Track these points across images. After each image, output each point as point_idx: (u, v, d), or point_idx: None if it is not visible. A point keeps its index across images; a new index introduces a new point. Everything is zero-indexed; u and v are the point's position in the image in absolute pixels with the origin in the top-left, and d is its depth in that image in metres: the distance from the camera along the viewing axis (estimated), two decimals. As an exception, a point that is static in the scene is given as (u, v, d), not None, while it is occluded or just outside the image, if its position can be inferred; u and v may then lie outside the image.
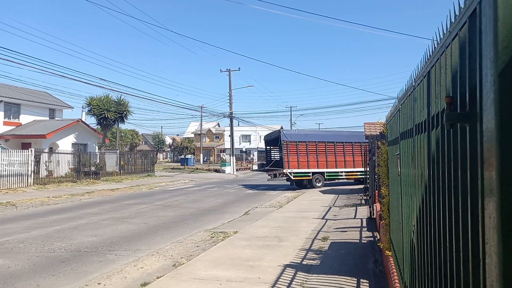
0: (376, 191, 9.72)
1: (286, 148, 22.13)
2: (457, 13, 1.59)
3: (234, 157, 39.39)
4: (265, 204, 15.71)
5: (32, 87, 30.23)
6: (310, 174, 22.65)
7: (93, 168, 26.02)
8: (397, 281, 4.35)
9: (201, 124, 60.91)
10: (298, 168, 22.32)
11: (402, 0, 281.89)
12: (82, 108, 32.78)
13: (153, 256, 7.50)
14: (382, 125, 8.28)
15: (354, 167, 22.76)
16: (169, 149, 78.72)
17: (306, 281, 5.51)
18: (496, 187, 0.98)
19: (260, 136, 69.30)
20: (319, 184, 22.80)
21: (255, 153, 69.11)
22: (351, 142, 23.06)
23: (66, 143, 27.42)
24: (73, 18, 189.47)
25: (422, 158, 2.49)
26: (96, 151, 29.66)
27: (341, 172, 23.10)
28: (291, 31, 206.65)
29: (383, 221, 6.50)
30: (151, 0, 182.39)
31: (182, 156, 54.84)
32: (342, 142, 23.21)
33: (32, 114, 29.22)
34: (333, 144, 23.05)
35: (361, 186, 19.04)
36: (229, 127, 41.03)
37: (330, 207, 14.02)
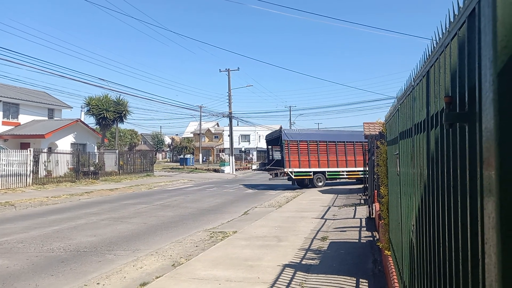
0: (375, 191, 9.72)
1: (287, 147, 22.16)
2: (456, 13, 1.59)
3: (233, 157, 39.39)
4: (265, 204, 15.71)
5: (31, 87, 30.23)
6: (311, 173, 22.67)
7: (92, 168, 25.99)
8: (396, 281, 4.36)
9: (200, 124, 60.89)
10: (299, 168, 22.34)
11: (402, 0, 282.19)
12: (81, 108, 32.75)
13: (152, 256, 7.50)
14: (381, 125, 8.28)
15: (355, 167, 22.73)
16: (168, 149, 78.69)
17: (305, 281, 5.51)
18: (495, 187, 0.98)
19: (260, 136, 69.38)
20: (320, 184, 22.81)
21: (255, 153, 69.13)
22: (353, 142, 23.03)
23: (65, 143, 27.39)
24: (73, 18, 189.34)
25: (421, 158, 2.49)
26: (95, 151, 29.63)
27: (343, 171, 23.09)
28: (290, 31, 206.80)
29: (382, 221, 6.51)
30: (151, 0, 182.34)
31: (181, 156, 54.87)
32: (344, 142, 23.20)
33: (31, 114, 29.18)
34: (335, 143, 23.05)
35: (361, 186, 19.05)
36: (228, 127, 41.03)
37: (329, 207, 14.02)
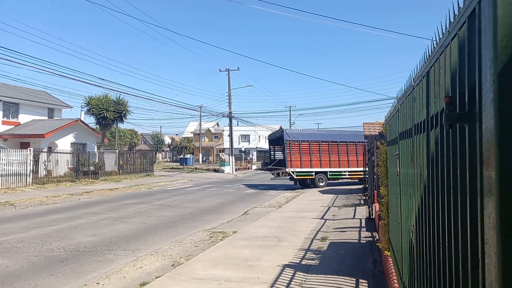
0: (375, 191, 9.72)
1: (289, 147, 22.21)
2: (456, 13, 1.59)
3: (233, 157, 39.39)
4: (264, 204, 15.71)
5: (31, 87, 30.22)
6: (313, 173, 22.70)
7: (92, 168, 25.99)
8: (396, 281, 4.36)
9: (200, 124, 60.88)
10: (301, 168, 22.37)
11: (402, 0, 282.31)
12: (81, 107, 32.72)
13: (152, 256, 7.50)
14: (381, 125, 8.28)
15: (357, 167, 22.70)
16: (168, 148, 78.68)
17: (305, 281, 5.51)
18: (495, 187, 0.98)
19: (259, 136, 69.40)
20: (322, 184, 22.83)
21: (254, 153, 69.13)
22: (355, 142, 23.01)
23: (65, 143, 27.39)
24: (73, 18, 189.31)
25: (421, 158, 2.49)
26: (95, 150, 29.62)
27: (345, 171, 23.11)
28: (291, 31, 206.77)
29: (382, 221, 6.51)
30: (151, 0, 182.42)
31: (181, 156, 54.86)
32: (346, 142, 23.20)
33: (31, 113, 29.18)
34: (336, 143, 23.07)
35: (361, 186, 19.05)
36: (228, 127, 41.03)
37: (329, 207, 14.02)
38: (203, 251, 7.65)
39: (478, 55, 1.21)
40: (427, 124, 2.23)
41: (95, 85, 24.23)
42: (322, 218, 11.60)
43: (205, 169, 43.06)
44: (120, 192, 20.09)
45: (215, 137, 74.11)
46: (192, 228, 10.44)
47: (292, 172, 22.19)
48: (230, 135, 39.20)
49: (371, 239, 8.41)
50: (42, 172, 22.15)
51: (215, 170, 40.86)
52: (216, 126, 76.31)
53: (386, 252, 5.53)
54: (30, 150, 21.06)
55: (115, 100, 32.41)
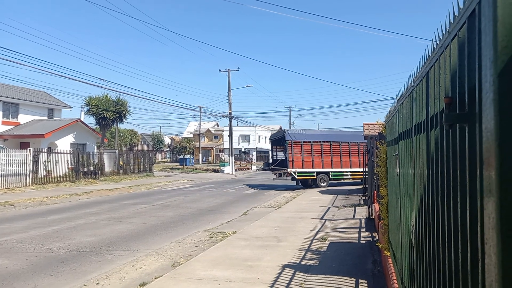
0: (375, 192, 9.72)
1: (290, 147, 22.27)
2: (456, 13, 1.59)
3: (233, 157, 39.38)
4: (264, 204, 15.71)
5: (31, 87, 30.19)
6: (315, 173, 22.75)
7: (91, 168, 25.98)
8: (395, 281, 4.36)
9: (200, 124, 60.87)
10: (302, 168, 22.42)
11: (402, 0, 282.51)
12: (81, 108, 32.73)
13: (151, 256, 7.49)
14: (381, 126, 8.28)
15: (359, 167, 22.72)
16: (168, 149, 78.65)
17: (304, 281, 5.51)
18: (495, 187, 0.98)
19: (259, 136, 69.40)
20: (324, 184, 22.87)
21: (254, 153, 69.13)
22: (357, 142, 23.01)
23: (64, 143, 27.38)
24: (73, 18, 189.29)
25: (421, 159, 2.49)
26: (95, 151, 29.61)
27: (347, 172, 23.14)
28: (291, 31, 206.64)
29: (382, 222, 6.51)
30: (151, 0, 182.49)
31: (181, 156, 54.82)
32: (348, 142, 23.23)
33: (30, 113, 29.17)
34: (338, 144, 23.10)
35: (361, 187, 19.06)
36: (228, 127, 41.02)
37: (329, 207, 14.02)
38: (203, 251, 7.65)
39: (478, 55, 1.21)
40: (427, 124, 2.24)
41: (95, 85, 24.27)
42: (321, 218, 11.60)
43: (205, 170, 43.06)
44: (120, 192, 20.08)
45: (215, 137, 74.11)
46: (192, 229, 10.44)
47: (294, 172, 22.24)
48: (230, 136, 39.20)
49: (370, 239, 8.41)
50: (41, 172, 22.14)
51: (215, 171, 40.85)
52: (216, 126, 76.31)
53: (386, 252, 5.53)
54: (30, 150, 21.05)
55: (115, 100, 32.42)
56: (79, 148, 28.42)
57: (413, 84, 2.90)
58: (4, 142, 25.58)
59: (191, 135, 72.55)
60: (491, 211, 1.02)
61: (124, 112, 32.94)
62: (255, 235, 8.99)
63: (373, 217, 10.37)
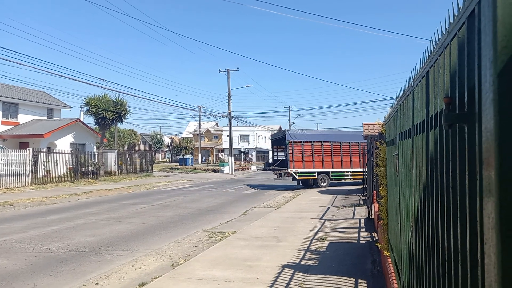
0: (375, 192, 9.73)
1: (291, 148, 22.32)
2: (455, 13, 1.59)
3: (232, 157, 39.38)
4: (264, 204, 15.71)
5: (31, 87, 30.19)
6: (315, 173, 22.79)
7: (91, 168, 25.96)
8: (395, 281, 4.36)
9: (199, 124, 60.86)
10: (303, 168, 22.47)
11: (402, 0, 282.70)
12: (81, 107, 32.71)
13: (151, 256, 7.49)
14: (380, 126, 8.29)
15: (360, 167, 22.76)
16: (167, 149, 78.64)
17: (304, 281, 5.51)
18: (495, 187, 0.98)
19: (259, 137, 69.41)
20: (324, 184, 22.91)
21: (254, 153, 69.13)
22: (358, 142, 23.02)
23: (64, 143, 27.36)
24: (73, 18, 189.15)
25: (421, 159, 2.49)
26: (94, 151, 29.60)
27: (347, 172, 23.17)
28: (291, 31, 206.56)
29: (381, 222, 6.51)
30: (151, 0, 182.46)
31: (181, 156, 54.78)
32: (348, 142, 23.24)
33: (30, 113, 29.15)
34: (339, 144, 23.12)
35: (360, 187, 19.06)
36: (227, 127, 41.01)
37: (329, 208, 14.02)
38: (202, 251, 7.64)
39: (477, 55, 1.21)
40: (427, 124, 2.24)
41: (95, 85, 24.24)
42: (321, 218, 11.60)
43: (204, 170, 43.05)
44: (119, 192, 20.07)
45: (214, 137, 74.11)
46: (191, 229, 10.44)
47: (294, 172, 22.31)
48: (230, 136, 39.19)
49: (370, 239, 8.41)
50: (41, 172, 22.12)
51: (215, 171, 40.84)
52: (215, 126, 76.30)
53: (385, 252, 5.53)
54: (29, 150, 21.03)
55: (115, 100, 32.40)
56: (78, 148, 28.40)
57: (412, 84, 2.90)
58: (4, 142, 25.56)
59: (191, 135, 72.53)
60: (491, 211, 1.02)
61: (123, 112, 32.92)
62: (255, 235, 8.99)
63: (372, 217, 10.37)
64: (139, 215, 12.59)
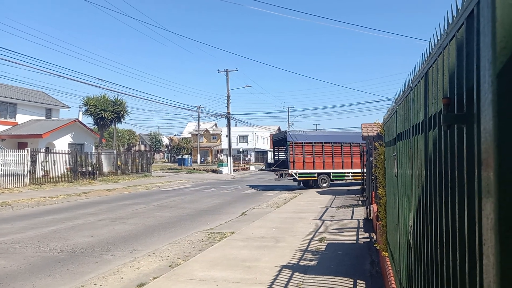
0: (373, 192, 9.73)
1: (291, 149, 22.38)
2: (454, 14, 1.59)
3: (231, 157, 39.35)
4: (262, 204, 15.70)
5: (29, 87, 30.12)
6: (316, 174, 22.83)
7: (89, 168, 25.91)
8: (393, 282, 4.36)
9: (198, 125, 60.83)
10: (303, 169, 22.54)
11: (402, 0, 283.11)
12: (79, 108, 32.66)
13: (149, 257, 7.48)
14: (379, 126, 8.28)
15: (361, 168, 22.80)
16: (166, 149, 78.53)
17: (302, 281, 5.50)
18: (494, 188, 0.98)
19: (258, 137, 69.40)
20: (325, 185, 22.99)
21: (253, 153, 69.13)
22: (358, 143, 23.06)
23: (62, 143, 27.31)
24: (74, 18, 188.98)
25: (419, 159, 2.49)
26: (93, 151, 29.55)
27: (348, 173, 23.23)
28: (292, 31, 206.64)
29: (380, 222, 6.51)
30: (152, 0, 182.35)
31: (179, 157, 54.71)
32: (349, 143, 23.29)
33: (28, 113, 29.09)
34: (340, 145, 23.17)
35: (358, 187, 19.08)
36: (226, 128, 41.00)
37: (327, 208, 14.03)
38: (201, 252, 7.63)
39: (476, 56, 1.21)
40: (425, 125, 2.24)
41: (93, 85, 24.20)
42: (320, 219, 11.60)
43: (203, 170, 43.02)
44: (118, 192, 20.04)
45: (213, 137, 74.07)
46: (190, 229, 10.42)
47: (295, 173, 22.36)
48: (228, 136, 39.17)
49: (369, 240, 8.41)
50: (39, 173, 22.07)
51: (213, 171, 40.82)
52: (214, 126, 76.27)
53: (384, 253, 5.53)
54: (27, 150, 20.99)
55: (113, 100, 32.33)
56: (77, 148, 28.34)
57: (411, 85, 2.91)
58: (2, 142, 25.49)
59: (190, 136, 72.46)
60: (490, 212, 1.02)
61: (122, 112, 32.85)
62: (253, 236, 8.98)
63: (371, 217, 10.37)
64: (137, 215, 12.57)
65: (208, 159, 69.42)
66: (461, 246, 1.48)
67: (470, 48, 1.35)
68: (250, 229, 9.85)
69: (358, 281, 5.57)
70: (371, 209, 10.29)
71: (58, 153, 24.36)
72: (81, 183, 23.28)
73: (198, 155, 62.44)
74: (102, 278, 6.13)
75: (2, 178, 19.10)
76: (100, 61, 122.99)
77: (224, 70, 38.84)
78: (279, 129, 66.97)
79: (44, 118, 30.42)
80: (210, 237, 9.21)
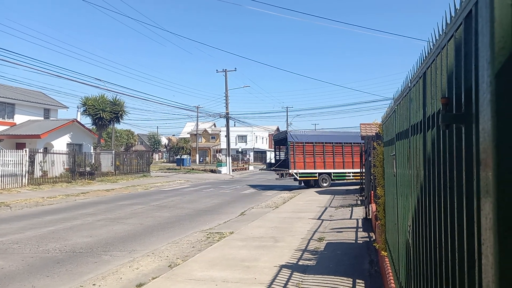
0: (372, 192, 9.74)
1: (292, 149, 22.42)
2: (452, 14, 1.59)
3: (230, 157, 39.34)
4: (261, 204, 15.70)
5: (27, 87, 30.04)
6: (316, 174, 22.90)
7: (88, 169, 25.87)
8: (392, 281, 4.36)
9: (197, 125, 60.79)
10: (304, 169, 22.61)
11: (402, 0, 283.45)
12: (77, 108, 32.64)
13: (148, 257, 7.47)
14: (378, 126, 8.29)
15: (362, 168, 22.82)
16: (165, 149, 78.45)
17: (302, 281, 5.51)
18: (492, 188, 0.99)
19: (256, 137, 69.39)
20: (325, 184, 23.09)
21: (251, 153, 69.12)
22: (359, 143, 23.09)
23: (61, 143, 27.26)
24: (73, 18, 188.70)
25: (418, 159, 2.50)
26: (91, 151, 29.50)
27: (349, 172, 23.28)
28: (291, 31, 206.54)
29: (379, 222, 6.52)
30: (151, 0, 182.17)
31: (178, 157, 54.65)
32: (350, 143, 23.34)
33: (27, 114, 29.03)
34: (341, 145, 23.22)
35: (357, 187, 19.10)
36: (225, 128, 40.98)
37: (326, 208, 14.04)
38: (200, 252, 7.63)
39: (475, 56, 1.21)
40: (424, 125, 2.24)
41: (92, 85, 24.09)
42: (319, 218, 11.61)
43: (202, 170, 43.00)
44: (117, 193, 20.01)
45: (212, 137, 74.04)
46: (189, 229, 10.42)
47: (296, 173, 22.41)
48: (227, 136, 39.16)
49: (368, 239, 8.42)
50: (38, 173, 22.03)
51: (212, 171, 40.80)
52: (213, 126, 76.23)
53: (383, 253, 5.54)
54: (25, 150, 20.95)
55: (112, 100, 32.28)
56: (75, 148, 28.30)
57: (410, 85, 2.91)
58: (0, 143, 25.44)
59: (188, 136, 72.37)
60: (488, 211, 1.02)
61: (120, 113, 32.80)
62: (252, 236, 8.98)
63: (370, 217, 10.38)
64: (136, 215, 12.56)
65: (207, 159, 69.38)
66: (460, 246, 1.48)
67: (469, 48, 1.35)
68: (249, 229, 9.85)
69: (357, 280, 5.58)
70: (370, 208, 10.29)
71: (56, 153, 24.32)
72: (79, 183, 23.25)
73: (197, 155, 62.39)
74: (101, 279, 6.12)
75: (0, 178, 19.06)
76: (98, 61, 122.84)
77: (223, 70, 38.84)
78: (278, 129, 67.01)
79: (42, 118, 30.36)
80: (209, 237, 9.21)
